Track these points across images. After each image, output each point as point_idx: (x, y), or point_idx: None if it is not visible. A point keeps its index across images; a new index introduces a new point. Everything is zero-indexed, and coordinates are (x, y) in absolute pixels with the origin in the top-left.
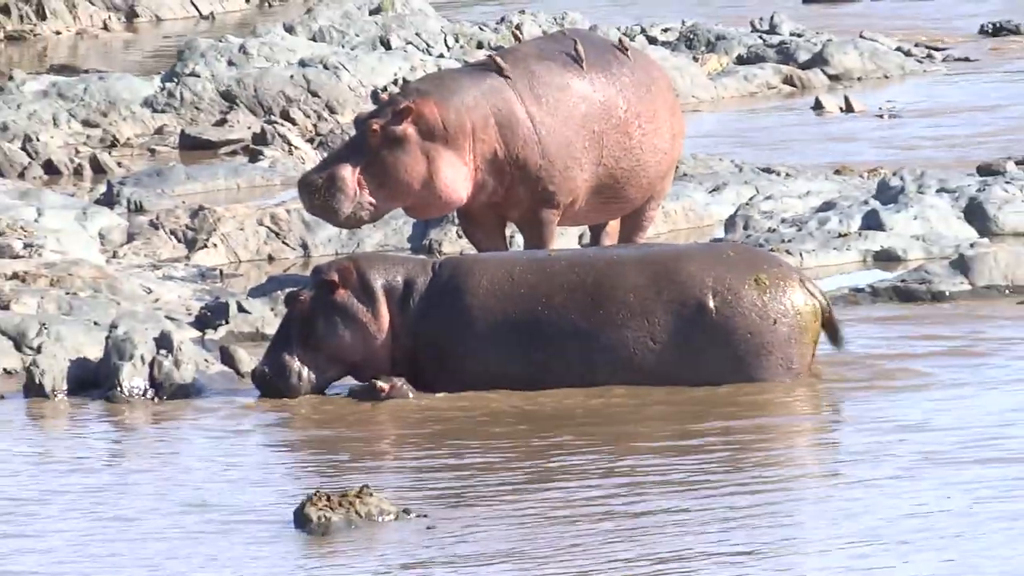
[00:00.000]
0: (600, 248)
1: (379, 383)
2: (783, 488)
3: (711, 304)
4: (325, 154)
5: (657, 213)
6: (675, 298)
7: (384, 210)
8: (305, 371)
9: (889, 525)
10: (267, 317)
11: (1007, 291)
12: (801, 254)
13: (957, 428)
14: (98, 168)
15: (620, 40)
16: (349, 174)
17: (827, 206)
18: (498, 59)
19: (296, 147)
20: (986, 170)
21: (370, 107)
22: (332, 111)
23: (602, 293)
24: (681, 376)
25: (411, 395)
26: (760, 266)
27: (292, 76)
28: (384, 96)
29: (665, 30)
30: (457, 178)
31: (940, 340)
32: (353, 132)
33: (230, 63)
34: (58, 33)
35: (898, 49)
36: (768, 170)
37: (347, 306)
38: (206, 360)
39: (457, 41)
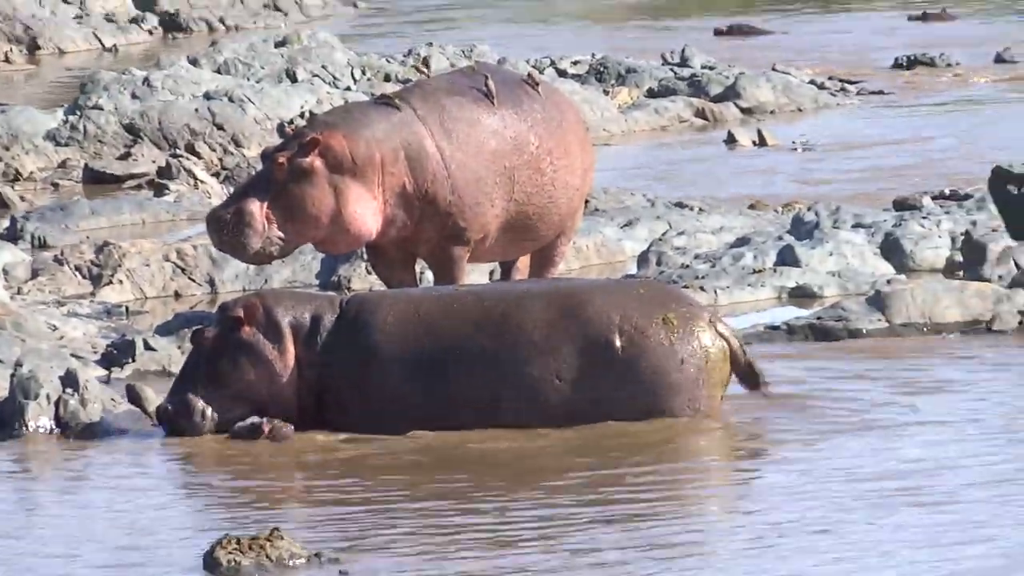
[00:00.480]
0: (510, 283)
1: (261, 422)
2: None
3: (617, 342)
4: (231, 188)
5: (568, 248)
6: (581, 335)
7: (293, 245)
8: (209, 410)
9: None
10: (174, 355)
11: (924, 328)
12: (715, 291)
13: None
14: (1, 202)
15: (529, 74)
16: (257, 209)
17: (741, 242)
18: (400, 95)
19: (202, 181)
20: (902, 205)
21: (277, 140)
22: (238, 144)
23: (508, 328)
24: (586, 414)
25: (291, 437)
26: (669, 305)
27: (197, 109)
28: (291, 129)
29: (575, 63)
30: (366, 212)
31: (858, 379)
32: (260, 166)
33: (134, 96)
34: None
35: (811, 82)
36: (681, 205)
37: (252, 344)
38: (113, 399)
39: (364, 74)
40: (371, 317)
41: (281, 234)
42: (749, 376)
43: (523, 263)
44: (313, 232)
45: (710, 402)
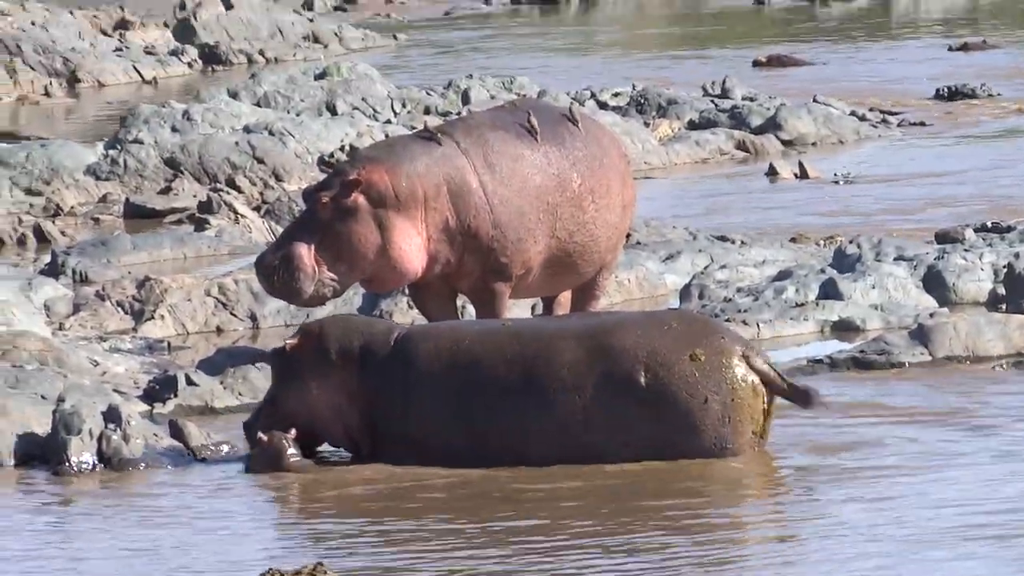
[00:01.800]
0: (546, 319)
1: (260, 433)
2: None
3: (641, 380)
4: (272, 222)
5: (610, 282)
6: (607, 374)
7: (346, 285)
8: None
9: None
10: (216, 390)
11: (967, 361)
12: (758, 324)
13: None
14: (42, 237)
15: (570, 109)
16: (306, 252)
17: (783, 275)
18: (443, 129)
19: (243, 215)
20: (944, 237)
21: (317, 173)
22: (279, 178)
23: (539, 366)
24: (612, 453)
25: (289, 455)
26: (699, 340)
27: (237, 143)
28: (332, 162)
29: (615, 95)
30: (412, 248)
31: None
32: (301, 202)
33: (174, 129)
34: None
35: (852, 114)
36: (723, 238)
37: (306, 371)
38: (155, 434)
39: (404, 106)
40: (412, 349)
41: (332, 275)
42: (799, 397)
43: (564, 298)
44: (363, 270)
45: (738, 439)
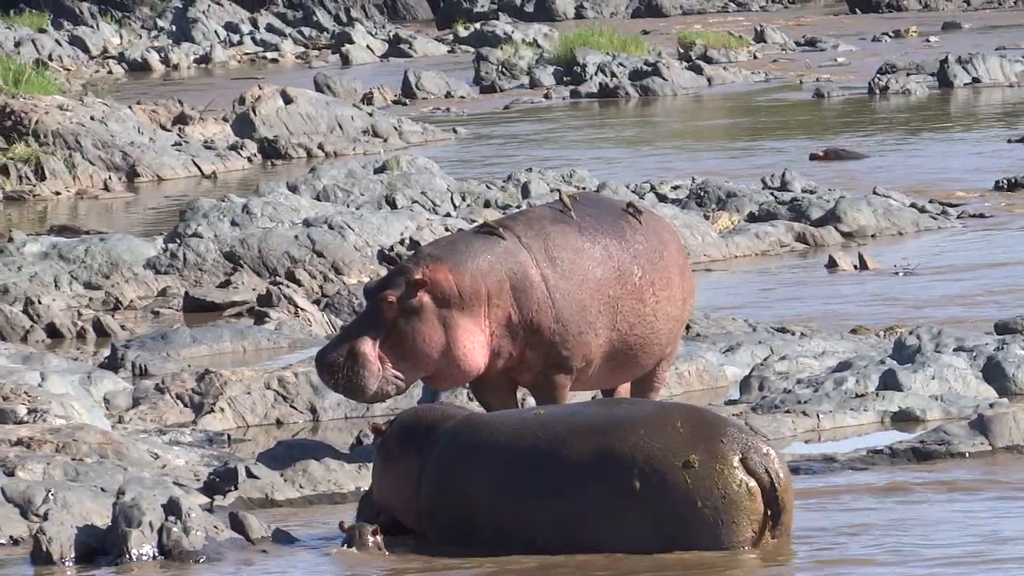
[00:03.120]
0: (577, 407)
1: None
2: None
3: (636, 485)
4: (332, 315)
5: (669, 374)
6: (606, 474)
7: (409, 382)
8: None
9: None
10: (276, 482)
11: None
12: (818, 415)
13: None
14: (101, 331)
15: (630, 203)
16: (370, 349)
17: (843, 366)
18: (504, 223)
19: (302, 308)
20: (1004, 328)
21: (377, 267)
22: (338, 271)
23: (553, 459)
24: (611, 550)
25: (369, 546)
26: (697, 444)
27: (297, 236)
28: (392, 255)
29: (675, 187)
30: (475, 345)
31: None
32: (361, 296)
33: (233, 223)
34: (57, 193)
35: (912, 205)
36: (783, 329)
37: (386, 457)
38: (216, 527)
39: (464, 200)
40: (453, 438)
41: (397, 372)
42: (775, 516)
43: (624, 389)
44: (426, 368)
45: (734, 540)
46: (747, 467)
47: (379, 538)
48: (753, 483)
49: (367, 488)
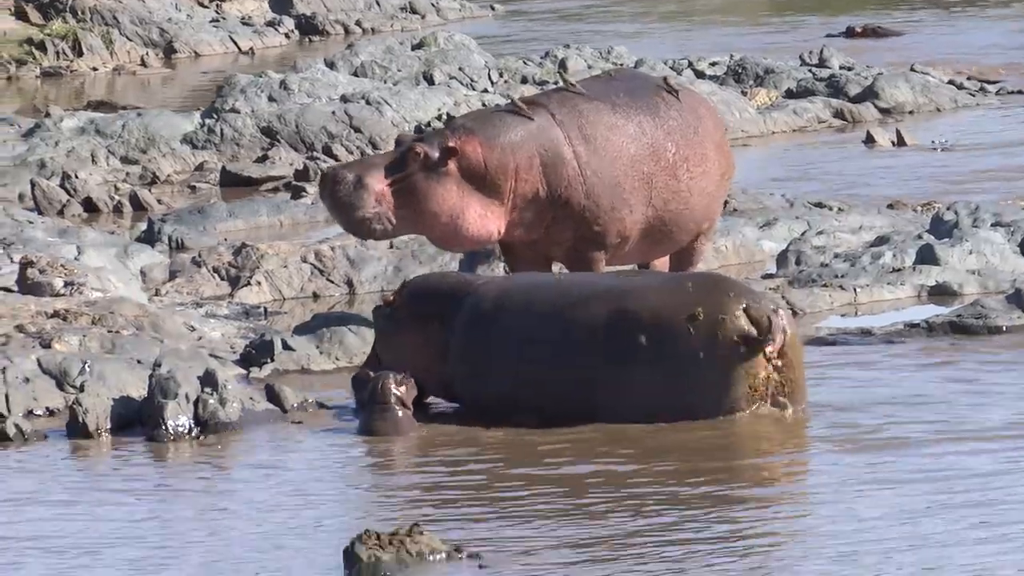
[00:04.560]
0: (597, 277)
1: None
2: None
3: (642, 341)
4: None
5: (708, 249)
6: (615, 335)
7: (399, 232)
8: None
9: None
10: (312, 354)
11: None
12: (855, 289)
13: None
14: (138, 205)
15: (666, 79)
16: (379, 183)
17: (880, 241)
18: (539, 100)
19: None
20: None
21: None
22: (375, 147)
23: (571, 324)
24: (619, 412)
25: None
26: (703, 299)
27: (334, 112)
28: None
29: (713, 64)
30: (486, 216)
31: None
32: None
33: (271, 99)
34: (95, 69)
35: (950, 82)
36: (820, 204)
37: (402, 328)
38: (251, 398)
39: (501, 76)
40: (476, 303)
41: (392, 217)
42: (777, 370)
43: (662, 263)
44: (424, 227)
45: (732, 393)
46: (751, 318)
47: (405, 388)
48: (754, 335)
49: (367, 361)
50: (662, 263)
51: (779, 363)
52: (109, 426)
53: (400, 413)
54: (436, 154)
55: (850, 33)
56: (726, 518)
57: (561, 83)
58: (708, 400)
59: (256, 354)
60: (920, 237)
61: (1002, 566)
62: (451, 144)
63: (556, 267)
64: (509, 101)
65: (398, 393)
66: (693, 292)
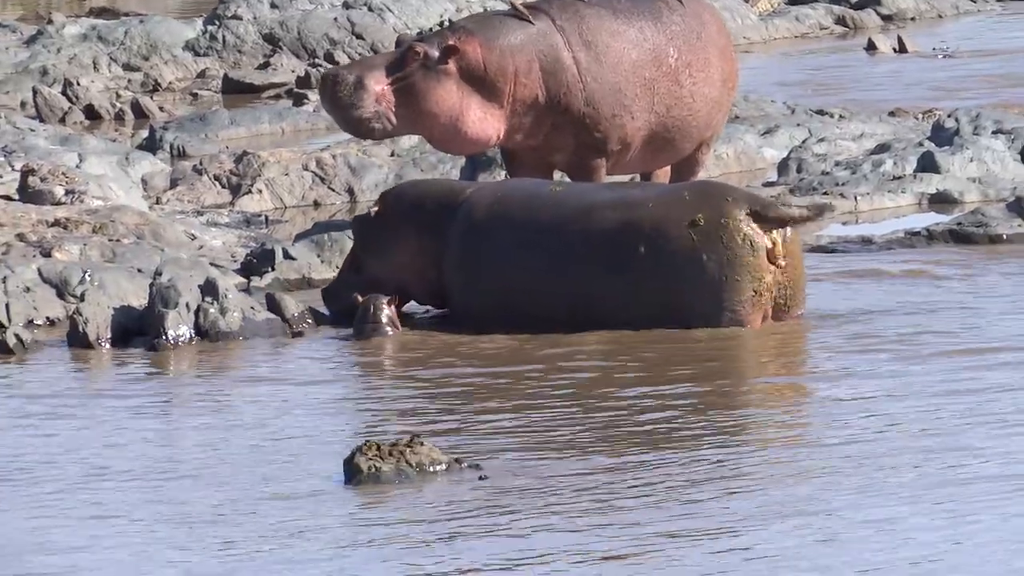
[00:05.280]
0: (593, 188)
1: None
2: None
3: (641, 249)
4: None
5: (710, 157)
6: (616, 245)
7: (398, 132)
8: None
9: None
10: (313, 263)
11: None
12: (855, 197)
13: None
14: (140, 113)
15: None
16: (379, 84)
17: (881, 148)
18: (540, 6)
19: None
20: None
21: None
22: (376, 53)
23: (568, 236)
24: (620, 318)
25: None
26: (703, 205)
27: (336, 19)
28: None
29: None
30: (485, 119)
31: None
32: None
33: (273, 5)
34: None
35: None
36: (821, 112)
37: (387, 233)
38: (252, 307)
39: None
40: (471, 209)
41: (391, 116)
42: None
43: (663, 173)
44: (423, 127)
45: (737, 296)
46: (755, 221)
47: (393, 309)
48: (759, 239)
49: (346, 266)
50: (663, 174)
51: (783, 265)
52: (109, 336)
53: (391, 333)
54: (436, 53)
55: None
56: (734, 425)
57: None
58: (711, 304)
59: (257, 263)
60: (921, 144)
61: None
62: (451, 43)
63: (556, 175)
64: (510, 6)
65: (390, 313)
66: (691, 200)
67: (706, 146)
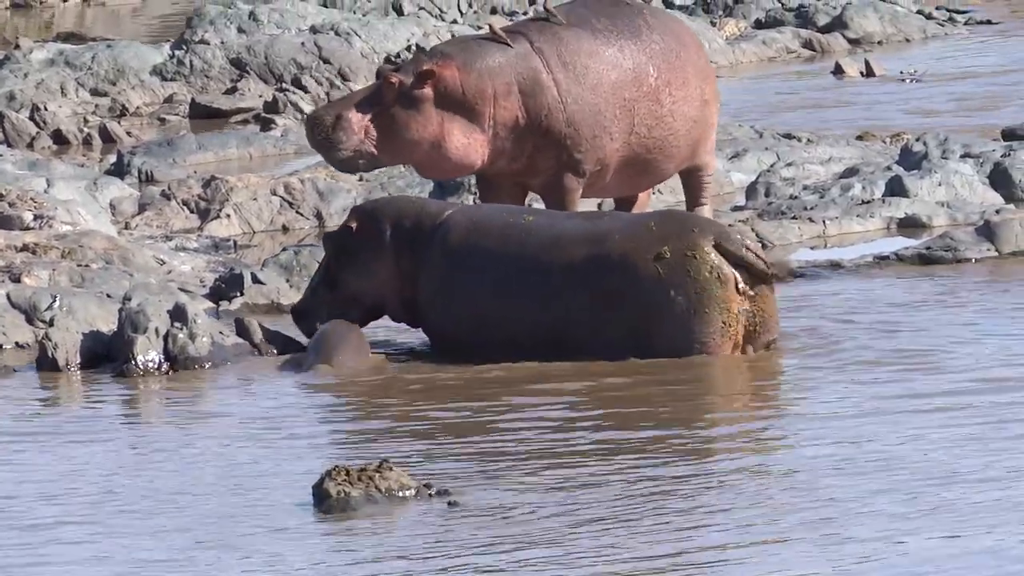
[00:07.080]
0: (564, 216)
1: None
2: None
3: (614, 285)
4: None
5: (712, 185)
6: (585, 279)
7: (383, 163)
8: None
9: None
10: (282, 288)
11: None
12: (824, 221)
13: None
14: (108, 138)
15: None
16: (358, 119)
17: (850, 172)
18: (518, 28)
19: None
20: (1010, 135)
21: None
22: (344, 78)
23: (540, 266)
24: (592, 351)
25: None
26: (669, 238)
27: (303, 43)
28: (397, 62)
29: None
30: (469, 144)
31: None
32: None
33: (240, 30)
34: (64, 1)
35: (919, 12)
36: (789, 136)
37: (360, 252)
38: (221, 332)
39: (471, 6)
40: (447, 232)
41: (374, 150)
42: (754, 272)
43: (642, 199)
44: (407, 156)
45: (706, 330)
46: (721, 253)
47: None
48: (727, 271)
49: (317, 284)
50: (642, 200)
51: (752, 295)
52: (79, 361)
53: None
54: (412, 81)
55: None
56: (704, 451)
57: (533, 12)
58: (680, 336)
59: (226, 288)
60: (889, 168)
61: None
62: (426, 67)
63: (529, 196)
64: (487, 29)
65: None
66: (657, 231)
67: (706, 174)
